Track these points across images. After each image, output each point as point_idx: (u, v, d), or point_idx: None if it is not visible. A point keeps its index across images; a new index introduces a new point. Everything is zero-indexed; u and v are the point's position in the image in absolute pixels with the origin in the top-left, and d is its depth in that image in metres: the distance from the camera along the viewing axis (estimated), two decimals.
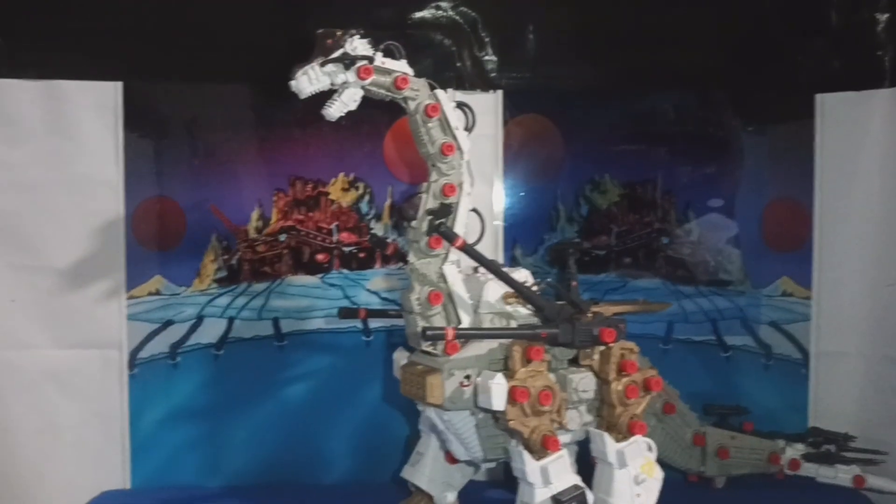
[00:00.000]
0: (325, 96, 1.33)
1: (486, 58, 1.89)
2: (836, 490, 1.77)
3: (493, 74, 1.90)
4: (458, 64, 1.88)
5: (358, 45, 1.31)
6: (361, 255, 1.90)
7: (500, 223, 1.92)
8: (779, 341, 1.96)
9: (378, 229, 1.90)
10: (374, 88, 1.34)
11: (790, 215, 1.95)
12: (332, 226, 1.90)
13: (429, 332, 1.29)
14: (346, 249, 1.90)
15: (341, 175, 1.89)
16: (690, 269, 1.96)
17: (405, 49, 1.37)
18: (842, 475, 1.77)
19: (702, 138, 1.95)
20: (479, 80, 1.89)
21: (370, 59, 1.32)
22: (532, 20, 1.90)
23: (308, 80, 1.30)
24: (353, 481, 1.88)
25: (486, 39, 1.89)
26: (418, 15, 1.87)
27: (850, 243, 1.91)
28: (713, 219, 1.97)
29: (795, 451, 1.80)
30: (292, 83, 1.30)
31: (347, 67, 1.30)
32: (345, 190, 1.89)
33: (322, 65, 1.29)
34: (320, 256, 1.90)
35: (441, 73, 1.82)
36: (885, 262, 1.87)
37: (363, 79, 1.31)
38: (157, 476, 1.85)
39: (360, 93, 1.34)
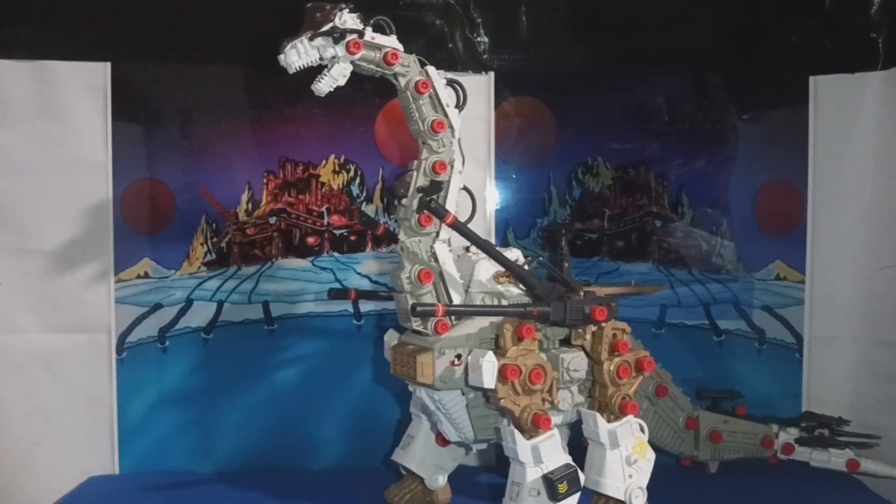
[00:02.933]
0: (315, 73, 1.32)
1: (478, 39, 1.88)
2: (830, 474, 1.77)
3: (484, 56, 1.88)
4: (450, 45, 1.86)
5: (347, 18, 1.30)
6: (353, 238, 1.89)
7: (492, 206, 1.91)
8: (772, 325, 1.95)
9: (369, 211, 1.89)
10: (363, 63, 1.33)
11: (783, 199, 1.94)
12: (323, 208, 1.88)
13: (419, 308, 1.27)
14: (337, 232, 1.88)
15: (332, 157, 1.87)
16: (683, 253, 1.95)
17: (397, 30, 1.36)
18: (835, 459, 1.77)
19: (695, 121, 1.94)
20: (471, 62, 1.88)
21: (360, 34, 1.30)
22: (525, 1, 1.88)
23: (297, 54, 1.28)
24: (344, 465, 1.87)
25: (479, 21, 1.87)
26: None
27: (843, 226, 1.91)
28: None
29: (789, 435, 1.80)
30: (281, 57, 1.29)
31: (337, 41, 1.29)
32: (336, 172, 1.88)
33: (311, 38, 1.28)
34: (311, 239, 1.88)
35: (433, 54, 1.79)
36: (879, 245, 1.86)
37: (353, 53, 1.30)
38: (145, 461, 1.83)
39: (350, 67, 1.32)
